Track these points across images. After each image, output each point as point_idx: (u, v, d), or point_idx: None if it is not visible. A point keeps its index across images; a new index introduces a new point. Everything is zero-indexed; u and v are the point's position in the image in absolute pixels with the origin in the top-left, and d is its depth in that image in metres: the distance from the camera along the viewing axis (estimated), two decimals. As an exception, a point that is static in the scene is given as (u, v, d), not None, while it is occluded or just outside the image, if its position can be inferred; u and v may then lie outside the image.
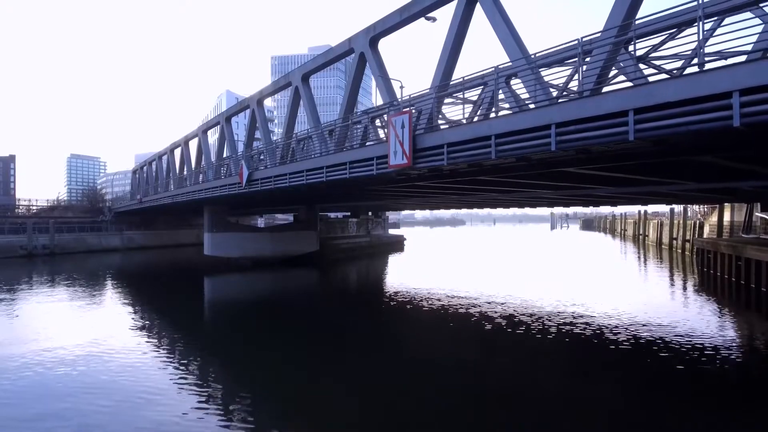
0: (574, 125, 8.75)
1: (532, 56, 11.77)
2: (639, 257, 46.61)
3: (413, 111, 13.36)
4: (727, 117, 6.82)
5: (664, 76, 7.69)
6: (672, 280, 29.41)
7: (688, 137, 7.93)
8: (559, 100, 9.37)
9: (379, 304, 22.91)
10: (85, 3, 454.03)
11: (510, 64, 11.51)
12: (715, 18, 12.70)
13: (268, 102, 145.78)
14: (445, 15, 16.72)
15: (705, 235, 37.54)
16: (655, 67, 14.34)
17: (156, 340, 15.39)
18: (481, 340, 15.33)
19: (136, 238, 55.66)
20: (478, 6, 14.03)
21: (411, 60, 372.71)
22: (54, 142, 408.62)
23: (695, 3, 7.65)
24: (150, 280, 33.13)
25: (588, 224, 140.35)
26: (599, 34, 9.36)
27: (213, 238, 34.30)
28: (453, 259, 47.34)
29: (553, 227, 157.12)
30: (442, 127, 14.32)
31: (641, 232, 64.57)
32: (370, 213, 54.39)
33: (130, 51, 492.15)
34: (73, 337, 15.10)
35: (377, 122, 20.05)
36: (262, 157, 25.56)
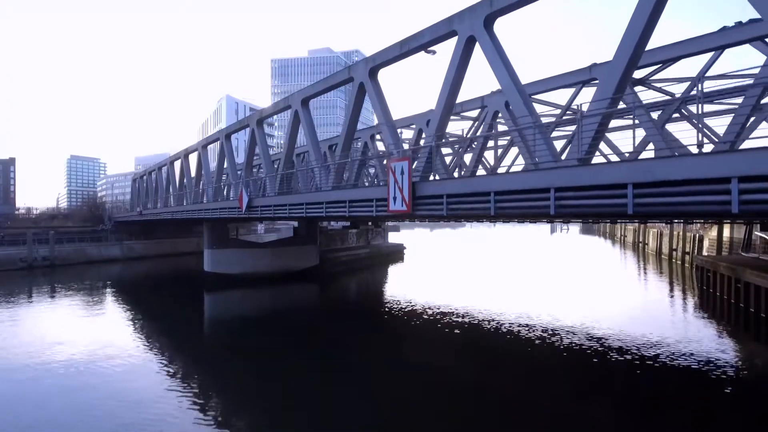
0: (574, 191, 8.76)
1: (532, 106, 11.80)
2: (639, 269, 46.63)
3: (413, 155, 13.38)
4: (725, 202, 6.84)
5: (664, 152, 7.67)
6: (672, 298, 29.43)
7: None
8: (559, 164, 9.35)
9: (378, 321, 23.17)
10: (84, 6, 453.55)
11: (511, 129, 11.50)
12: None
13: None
14: (445, 47, 16.76)
15: (705, 250, 37.53)
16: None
17: (158, 364, 15.52)
18: (479, 356, 15.58)
19: (136, 248, 55.66)
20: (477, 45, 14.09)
21: (412, 74, 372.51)
22: (54, 144, 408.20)
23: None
24: (150, 294, 33.28)
25: (588, 229, 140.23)
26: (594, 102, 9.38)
27: (213, 255, 34.33)
28: (453, 269, 47.37)
29: (553, 231, 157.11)
30: (445, 154, 14.43)
31: (641, 240, 64.59)
32: (369, 222, 54.45)
33: (129, 53, 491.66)
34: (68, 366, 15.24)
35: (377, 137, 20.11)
36: (261, 174, 25.68)
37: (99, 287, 41.22)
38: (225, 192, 28.22)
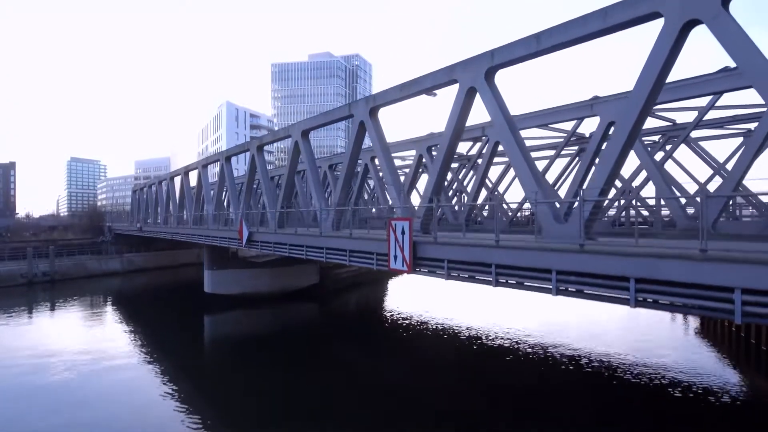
0: (576, 276, 8.72)
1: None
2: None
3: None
4: (729, 310, 6.80)
5: (669, 250, 7.66)
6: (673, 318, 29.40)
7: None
8: (563, 243, 9.32)
9: (376, 339, 23.64)
10: (85, 9, 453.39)
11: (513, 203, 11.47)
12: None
13: (269, 112, 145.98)
14: (446, 91, 16.74)
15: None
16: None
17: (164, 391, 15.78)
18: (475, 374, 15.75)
19: (136, 260, 55.62)
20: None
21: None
22: (54, 146, 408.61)
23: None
24: (150, 316, 33.40)
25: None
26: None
27: (213, 276, 34.33)
28: (454, 284, 47.26)
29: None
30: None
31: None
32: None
33: (129, 56, 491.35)
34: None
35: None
36: (262, 196, 25.78)
37: (99, 303, 41.68)
38: (225, 218, 28.19)
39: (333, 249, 15.80)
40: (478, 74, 13.65)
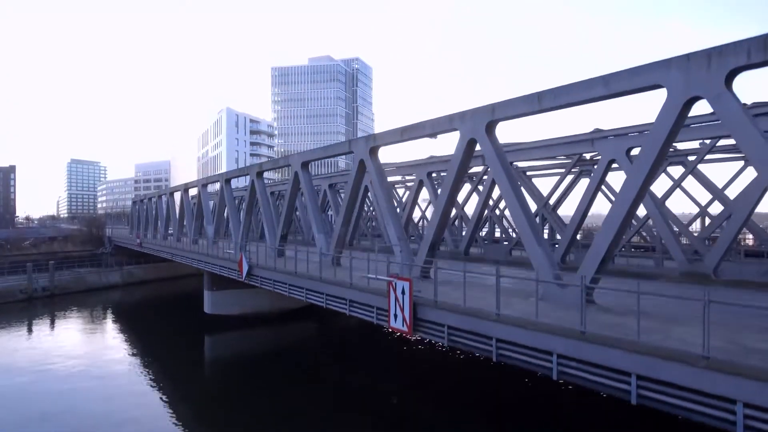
0: (577, 362, 8.68)
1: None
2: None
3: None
4: (730, 421, 6.76)
5: (672, 350, 7.63)
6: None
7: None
8: (563, 325, 9.28)
9: (378, 358, 23.85)
10: (85, 12, 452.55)
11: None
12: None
13: (269, 116, 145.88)
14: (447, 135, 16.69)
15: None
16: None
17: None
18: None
19: (136, 272, 55.54)
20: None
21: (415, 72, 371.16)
22: (54, 148, 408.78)
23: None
24: (149, 335, 33.69)
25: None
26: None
27: (213, 297, 34.25)
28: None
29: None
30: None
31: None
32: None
33: (129, 59, 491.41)
34: None
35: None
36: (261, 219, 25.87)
37: (98, 319, 41.99)
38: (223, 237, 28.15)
39: (333, 296, 15.75)
40: (478, 127, 13.64)
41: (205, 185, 36.83)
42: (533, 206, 28.92)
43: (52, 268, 47.55)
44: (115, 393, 20.25)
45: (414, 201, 28.30)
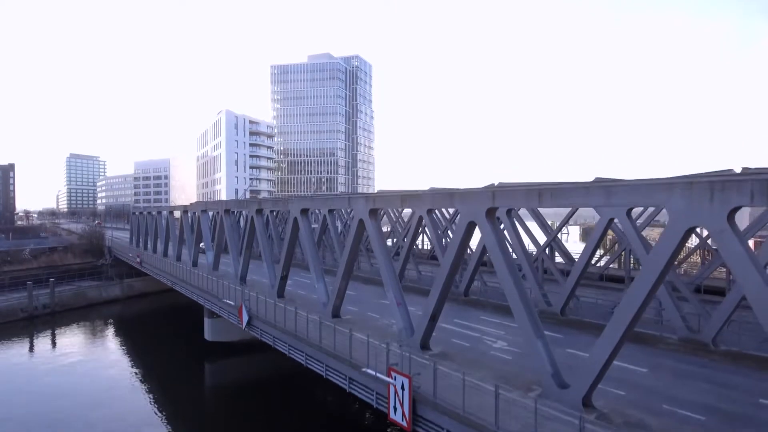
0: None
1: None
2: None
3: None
4: None
5: None
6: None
7: None
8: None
9: None
10: (85, 10, 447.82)
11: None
12: None
13: (268, 117, 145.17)
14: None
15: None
16: None
17: None
18: None
19: (136, 285, 55.62)
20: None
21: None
22: (53, 143, 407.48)
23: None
24: (150, 355, 34.31)
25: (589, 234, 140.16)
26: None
27: (213, 324, 34.27)
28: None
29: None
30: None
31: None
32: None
33: (128, 57, 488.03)
34: None
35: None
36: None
37: (100, 334, 42.65)
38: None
39: (334, 369, 15.78)
40: (479, 211, 13.56)
41: (204, 210, 36.77)
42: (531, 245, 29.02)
43: (53, 285, 47.57)
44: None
45: (413, 241, 28.21)
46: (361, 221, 18.43)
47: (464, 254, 14.95)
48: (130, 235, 62.38)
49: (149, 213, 53.15)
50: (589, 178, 23.16)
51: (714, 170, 21.04)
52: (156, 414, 25.28)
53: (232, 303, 23.75)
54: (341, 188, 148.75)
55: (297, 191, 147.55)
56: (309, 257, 22.22)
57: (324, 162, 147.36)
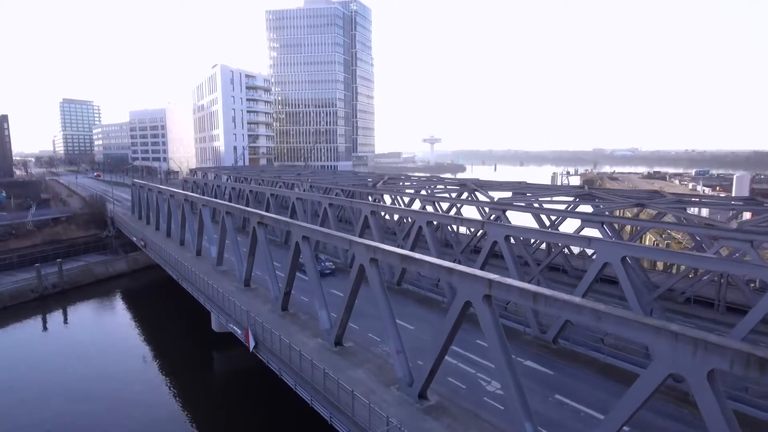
0: None
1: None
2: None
3: None
4: None
5: None
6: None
7: None
8: None
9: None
10: None
11: None
12: None
13: (265, 68, 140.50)
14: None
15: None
16: None
17: None
18: None
19: (141, 259, 56.59)
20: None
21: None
22: (46, 88, 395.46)
23: None
24: (159, 343, 35.97)
25: (590, 184, 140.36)
26: None
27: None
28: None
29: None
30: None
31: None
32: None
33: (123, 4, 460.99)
34: None
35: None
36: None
37: (109, 309, 44.81)
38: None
39: (338, 416, 16.88)
40: (476, 294, 14.05)
41: (205, 204, 37.03)
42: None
43: (60, 265, 48.64)
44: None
45: (413, 246, 28.58)
46: (361, 266, 18.92)
47: (455, 335, 15.61)
48: (132, 205, 62.81)
49: (149, 189, 53.27)
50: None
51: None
52: (172, 406, 27.52)
53: (239, 331, 24.67)
54: (341, 140, 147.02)
55: (296, 142, 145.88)
56: (312, 284, 22.84)
57: (323, 113, 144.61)
